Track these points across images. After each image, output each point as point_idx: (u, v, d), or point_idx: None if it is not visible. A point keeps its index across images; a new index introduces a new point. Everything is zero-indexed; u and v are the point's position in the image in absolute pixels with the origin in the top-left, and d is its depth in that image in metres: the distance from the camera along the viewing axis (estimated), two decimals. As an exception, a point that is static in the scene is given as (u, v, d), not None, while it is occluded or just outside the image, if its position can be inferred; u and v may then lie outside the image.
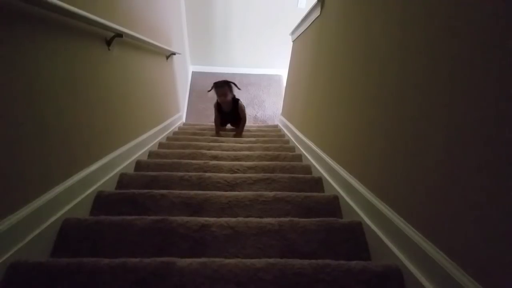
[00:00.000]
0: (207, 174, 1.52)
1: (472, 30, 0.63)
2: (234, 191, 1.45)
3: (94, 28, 1.20)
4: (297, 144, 2.34)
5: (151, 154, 2.02)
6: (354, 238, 1.04)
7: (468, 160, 0.63)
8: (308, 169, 1.80)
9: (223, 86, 2.83)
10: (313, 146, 1.86)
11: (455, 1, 0.69)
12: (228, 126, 3.26)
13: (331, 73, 1.63)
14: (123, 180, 1.47)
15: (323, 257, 0.96)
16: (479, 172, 0.60)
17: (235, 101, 2.96)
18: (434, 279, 0.71)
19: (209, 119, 3.38)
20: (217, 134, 2.94)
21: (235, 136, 2.91)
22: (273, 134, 3.08)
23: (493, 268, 0.57)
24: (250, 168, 1.75)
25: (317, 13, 2.03)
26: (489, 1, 0.59)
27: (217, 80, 2.88)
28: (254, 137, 2.89)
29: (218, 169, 1.73)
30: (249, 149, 2.32)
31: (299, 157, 2.08)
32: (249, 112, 4.88)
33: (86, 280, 0.76)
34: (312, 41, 2.20)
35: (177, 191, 1.28)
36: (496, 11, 0.57)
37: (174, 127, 3.13)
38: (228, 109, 2.98)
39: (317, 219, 1.09)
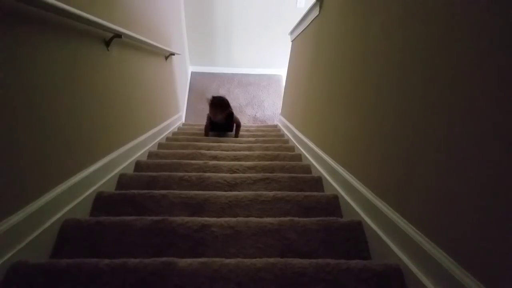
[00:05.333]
0: (207, 174, 1.52)
1: (473, 27, 0.64)
2: (234, 191, 1.45)
3: (93, 28, 1.20)
4: (296, 143, 2.34)
5: (150, 154, 2.02)
6: (354, 237, 1.04)
7: (468, 159, 0.63)
8: (307, 168, 1.80)
9: (217, 108, 2.77)
10: (312, 145, 1.86)
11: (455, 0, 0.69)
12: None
13: (331, 72, 1.63)
14: (123, 181, 1.47)
15: (323, 257, 0.96)
16: (480, 171, 0.60)
17: (230, 115, 2.88)
18: (435, 278, 0.71)
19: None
20: (206, 135, 2.91)
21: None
22: (272, 134, 3.08)
23: (494, 266, 0.57)
24: (249, 168, 1.75)
25: (315, 12, 2.03)
26: None
27: (214, 95, 2.82)
28: (254, 137, 2.89)
29: (218, 169, 1.73)
30: (248, 149, 2.32)
31: (299, 156, 2.08)
32: (249, 112, 4.89)
33: (86, 281, 0.76)
34: (311, 40, 2.21)
35: (177, 191, 1.28)
36: (498, 8, 0.58)
37: (174, 127, 3.13)
38: (222, 121, 2.90)
39: (317, 218, 1.09)
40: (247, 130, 3.35)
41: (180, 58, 3.89)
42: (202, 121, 4.12)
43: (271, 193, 1.30)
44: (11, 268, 0.76)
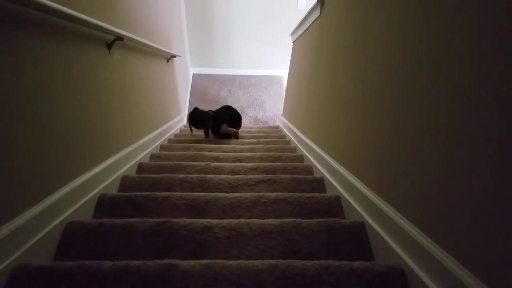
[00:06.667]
0: (209, 176, 1.53)
1: (474, 27, 0.63)
2: (236, 192, 1.45)
3: (94, 31, 1.21)
4: (298, 144, 2.34)
5: (152, 156, 2.02)
6: (356, 238, 1.04)
7: (469, 159, 0.63)
8: (309, 169, 1.80)
9: (202, 127, 2.84)
10: (314, 146, 1.85)
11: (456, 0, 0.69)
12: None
13: (332, 73, 1.63)
14: (125, 183, 1.47)
15: (326, 258, 0.96)
16: (481, 171, 0.60)
17: (218, 122, 2.87)
18: (438, 279, 0.71)
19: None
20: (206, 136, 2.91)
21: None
22: (274, 135, 3.08)
23: (497, 267, 0.57)
24: (251, 169, 1.75)
25: (317, 13, 2.03)
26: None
27: (194, 110, 2.84)
28: (255, 138, 2.89)
29: (220, 170, 1.73)
30: (250, 150, 2.33)
31: (301, 157, 2.08)
32: (250, 113, 4.89)
33: (89, 283, 0.76)
34: (313, 41, 2.21)
35: (179, 193, 1.28)
36: (498, 8, 0.58)
37: (176, 129, 3.14)
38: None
39: (319, 219, 1.09)
40: (249, 132, 3.35)
41: (181, 60, 3.90)
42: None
43: (273, 195, 1.30)
44: (15, 271, 0.76)
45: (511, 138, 0.54)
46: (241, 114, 4.70)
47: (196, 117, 2.80)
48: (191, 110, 2.88)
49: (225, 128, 2.86)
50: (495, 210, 0.57)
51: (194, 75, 5.47)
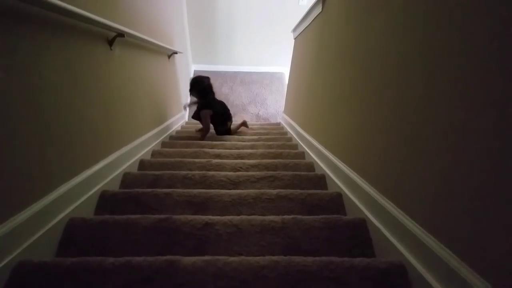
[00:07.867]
0: (210, 173, 1.53)
1: (474, 26, 0.63)
2: (237, 189, 1.45)
3: (95, 28, 1.21)
4: (299, 141, 2.34)
5: (154, 153, 2.02)
6: (358, 235, 1.04)
7: (470, 156, 0.63)
8: (311, 166, 1.79)
9: (195, 95, 2.70)
10: (316, 143, 1.85)
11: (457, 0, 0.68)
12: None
13: (333, 70, 1.62)
14: (126, 180, 1.47)
15: (327, 254, 0.95)
16: (481, 167, 0.60)
17: (225, 116, 2.74)
18: (439, 275, 0.71)
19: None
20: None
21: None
22: (275, 132, 3.07)
23: (497, 263, 0.57)
24: (253, 166, 1.75)
25: (318, 9, 2.02)
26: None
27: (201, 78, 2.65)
28: (257, 135, 2.89)
29: (221, 167, 1.73)
30: (251, 147, 2.32)
31: (302, 154, 2.08)
32: (252, 110, 4.89)
33: (91, 279, 0.76)
34: (314, 38, 2.19)
35: (180, 190, 1.28)
36: (499, 8, 0.57)
37: (177, 126, 3.14)
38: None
39: (321, 216, 1.09)
40: (250, 128, 3.34)
41: (182, 57, 3.89)
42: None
43: (275, 191, 1.30)
44: (17, 267, 0.76)
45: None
46: (243, 111, 4.72)
47: (201, 86, 2.60)
48: (194, 109, 2.76)
49: (235, 127, 2.65)
50: (495, 205, 0.57)
51: (196, 72, 5.45)
